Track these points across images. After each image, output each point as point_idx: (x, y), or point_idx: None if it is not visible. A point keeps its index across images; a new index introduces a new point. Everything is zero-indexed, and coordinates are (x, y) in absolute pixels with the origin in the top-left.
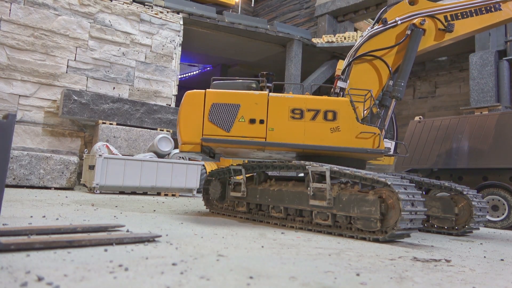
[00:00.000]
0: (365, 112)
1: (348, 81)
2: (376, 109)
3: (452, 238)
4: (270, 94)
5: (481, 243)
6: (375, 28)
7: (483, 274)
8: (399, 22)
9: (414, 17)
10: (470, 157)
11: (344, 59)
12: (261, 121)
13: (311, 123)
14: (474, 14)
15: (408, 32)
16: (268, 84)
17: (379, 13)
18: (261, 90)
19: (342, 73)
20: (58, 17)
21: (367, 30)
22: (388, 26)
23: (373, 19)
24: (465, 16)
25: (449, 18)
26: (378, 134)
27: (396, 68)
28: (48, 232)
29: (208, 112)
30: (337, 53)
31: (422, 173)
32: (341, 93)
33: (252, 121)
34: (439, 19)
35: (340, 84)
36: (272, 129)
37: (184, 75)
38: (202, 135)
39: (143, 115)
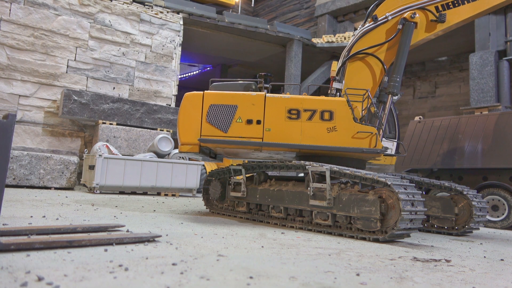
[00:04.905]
0: (363, 111)
1: (343, 82)
2: (374, 109)
3: (452, 238)
4: (267, 94)
5: (481, 243)
6: (366, 25)
7: (483, 274)
8: (389, 17)
9: (404, 11)
10: (470, 157)
11: None
12: (258, 122)
13: (307, 123)
14: (465, 2)
15: (400, 26)
16: (266, 85)
17: (369, 10)
18: (259, 91)
19: (337, 74)
20: (58, 17)
21: (358, 28)
22: (379, 22)
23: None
24: (456, 4)
25: (440, 9)
26: (375, 133)
27: (391, 64)
28: (48, 232)
29: (206, 113)
30: (337, 53)
31: (422, 173)
32: (337, 94)
33: (249, 121)
34: (430, 11)
35: (335, 85)
36: (269, 129)
37: (184, 75)
38: (200, 135)
39: (143, 115)
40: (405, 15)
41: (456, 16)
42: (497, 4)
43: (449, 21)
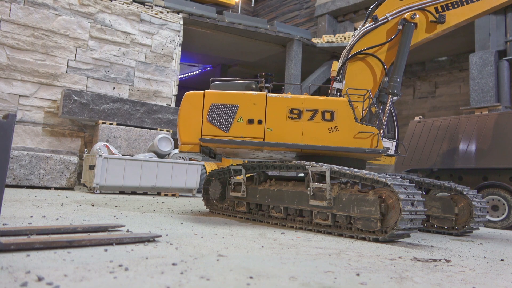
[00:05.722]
0: (363, 112)
1: (344, 82)
2: (375, 109)
3: (452, 238)
4: (268, 94)
5: (481, 243)
6: (366, 26)
7: (483, 274)
8: (389, 18)
9: (405, 11)
10: (470, 157)
11: None
12: (259, 122)
13: (309, 123)
14: (465, 3)
15: (400, 27)
16: (267, 85)
17: (369, 10)
18: (260, 90)
19: (337, 74)
20: (58, 17)
21: (358, 28)
22: (379, 23)
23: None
24: (456, 6)
25: (439, 10)
26: (377, 134)
27: (391, 64)
28: (48, 232)
29: (207, 113)
30: (337, 53)
31: (422, 173)
32: (338, 94)
33: (251, 121)
34: (429, 11)
35: (336, 85)
36: (270, 129)
37: (184, 75)
38: (201, 135)
39: (143, 115)
40: (405, 16)
41: (455, 17)
42: (496, 5)
43: (449, 22)
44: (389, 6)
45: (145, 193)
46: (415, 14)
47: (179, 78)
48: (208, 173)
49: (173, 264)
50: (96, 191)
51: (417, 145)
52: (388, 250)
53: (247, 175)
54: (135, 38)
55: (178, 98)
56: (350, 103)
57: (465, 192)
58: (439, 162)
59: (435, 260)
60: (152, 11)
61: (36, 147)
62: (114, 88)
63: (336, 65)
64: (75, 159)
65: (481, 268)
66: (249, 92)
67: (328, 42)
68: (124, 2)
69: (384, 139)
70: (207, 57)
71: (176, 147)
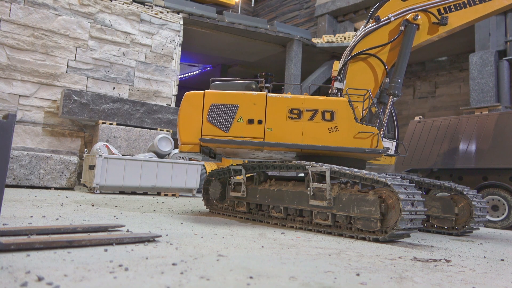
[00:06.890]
0: (363, 112)
1: (344, 82)
2: (375, 109)
3: (452, 238)
4: (268, 94)
5: (481, 243)
6: (368, 26)
7: (483, 274)
8: (392, 18)
9: (407, 12)
10: (470, 157)
11: None
12: (259, 122)
13: (309, 123)
14: (467, 5)
15: (402, 28)
16: (267, 85)
17: (372, 11)
18: (260, 90)
19: (338, 73)
20: (58, 17)
21: (360, 28)
22: (381, 23)
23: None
24: (458, 8)
25: (442, 11)
26: (377, 134)
27: (392, 65)
28: (48, 232)
29: (207, 113)
30: (337, 53)
31: (422, 173)
32: (339, 94)
33: (251, 121)
34: (432, 13)
35: (336, 85)
36: (270, 129)
37: (184, 75)
38: (201, 135)
39: (143, 115)
40: (407, 17)
41: (458, 19)
42: (499, 8)
43: (451, 24)
44: (392, 7)
45: (145, 193)
46: (417, 16)
47: (179, 78)
48: (208, 173)
49: (173, 264)
50: (96, 191)
51: (417, 145)
52: (388, 250)
53: (247, 175)
54: (135, 38)
55: (178, 98)
56: (350, 103)
57: (465, 192)
58: (439, 162)
59: (435, 260)
60: (152, 11)
61: (36, 147)
62: (114, 88)
63: (337, 65)
64: (75, 159)
65: (481, 268)
66: (249, 92)
67: (328, 42)
68: (124, 2)
69: (384, 139)
70: (207, 57)
71: (176, 147)
